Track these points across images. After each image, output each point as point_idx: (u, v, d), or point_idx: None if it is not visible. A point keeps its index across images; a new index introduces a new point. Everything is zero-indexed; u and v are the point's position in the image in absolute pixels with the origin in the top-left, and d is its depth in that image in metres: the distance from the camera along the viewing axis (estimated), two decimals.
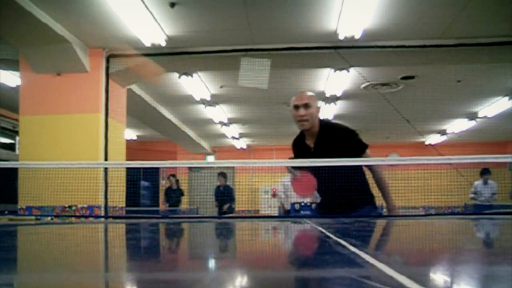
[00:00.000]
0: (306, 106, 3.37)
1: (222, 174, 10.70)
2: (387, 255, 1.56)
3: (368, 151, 3.43)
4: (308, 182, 3.49)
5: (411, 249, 1.82)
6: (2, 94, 7.97)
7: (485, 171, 9.63)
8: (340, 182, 3.25)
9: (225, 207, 10.31)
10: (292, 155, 3.71)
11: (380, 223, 2.97)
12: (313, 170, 3.44)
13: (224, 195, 10.41)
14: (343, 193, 3.30)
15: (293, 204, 6.58)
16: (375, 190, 3.46)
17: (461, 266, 1.28)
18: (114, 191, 6.55)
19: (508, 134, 10.85)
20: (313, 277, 1.15)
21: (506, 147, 13.13)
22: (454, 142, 13.27)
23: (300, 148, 3.55)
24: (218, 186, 10.70)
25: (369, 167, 3.44)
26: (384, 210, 3.54)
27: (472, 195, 9.80)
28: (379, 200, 3.46)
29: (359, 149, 3.41)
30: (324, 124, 3.50)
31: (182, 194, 11.46)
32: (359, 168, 3.42)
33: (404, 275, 0.99)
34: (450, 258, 1.47)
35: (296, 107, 3.40)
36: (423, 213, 8.69)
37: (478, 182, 9.77)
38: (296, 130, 3.60)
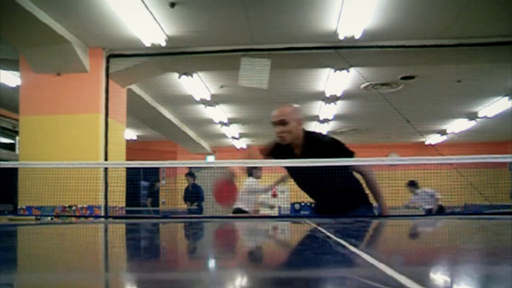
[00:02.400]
0: (283, 122, 3.33)
1: (190, 174, 10.76)
2: (387, 255, 1.56)
3: (355, 157, 3.45)
4: (228, 191, 3.52)
5: (411, 249, 1.82)
6: (2, 94, 7.96)
7: (411, 183, 9.20)
8: (329, 184, 3.25)
9: (194, 205, 10.39)
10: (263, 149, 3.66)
11: (380, 223, 2.97)
12: (301, 173, 3.42)
13: (193, 195, 10.49)
14: (333, 194, 3.30)
15: (293, 204, 6.61)
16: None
17: (461, 266, 1.28)
18: (114, 191, 6.55)
19: (508, 134, 10.83)
20: (313, 277, 1.15)
21: (506, 147, 13.11)
22: (454, 142, 13.27)
23: (284, 151, 3.48)
24: (187, 186, 10.77)
25: (359, 171, 3.45)
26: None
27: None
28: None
29: (347, 157, 3.43)
30: (309, 136, 3.46)
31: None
32: (346, 169, 3.41)
33: (404, 275, 0.99)
34: (450, 258, 1.47)
35: (274, 123, 3.38)
36: (423, 213, 8.69)
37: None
38: None
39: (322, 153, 3.35)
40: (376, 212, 3.52)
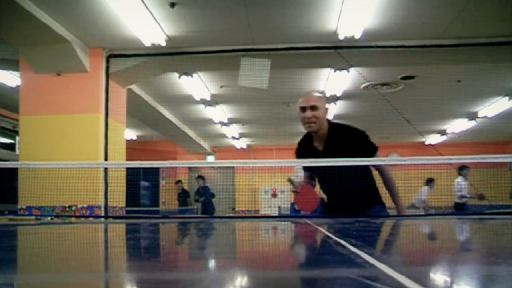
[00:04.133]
0: (313, 108, 3.27)
1: (201, 177, 11.62)
2: (387, 255, 1.55)
3: (378, 153, 3.40)
4: (310, 196, 3.46)
5: (411, 249, 1.82)
6: (2, 94, 7.96)
7: (463, 167, 9.37)
8: (347, 182, 3.21)
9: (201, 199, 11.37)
10: (294, 157, 3.63)
11: (380, 223, 2.97)
12: (320, 170, 3.40)
13: (202, 194, 11.42)
14: (351, 193, 3.27)
15: (293, 204, 6.59)
16: (382, 191, 3.43)
17: (461, 266, 1.28)
18: (114, 191, 6.55)
19: (508, 134, 10.84)
20: (313, 277, 1.15)
21: (506, 147, 13.12)
22: (454, 142, 13.27)
23: (307, 150, 3.46)
24: (198, 188, 11.65)
25: (378, 168, 3.39)
26: (393, 210, 3.52)
27: (458, 194, 9.52)
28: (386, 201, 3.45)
29: (370, 151, 3.36)
30: (333, 125, 3.40)
31: None
32: (366, 168, 3.38)
33: (404, 275, 0.99)
34: (450, 258, 1.47)
35: (303, 108, 3.29)
36: (423, 213, 8.69)
37: (459, 180, 9.54)
38: (298, 131, 3.58)
39: (346, 145, 3.30)
40: (389, 212, 3.50)
